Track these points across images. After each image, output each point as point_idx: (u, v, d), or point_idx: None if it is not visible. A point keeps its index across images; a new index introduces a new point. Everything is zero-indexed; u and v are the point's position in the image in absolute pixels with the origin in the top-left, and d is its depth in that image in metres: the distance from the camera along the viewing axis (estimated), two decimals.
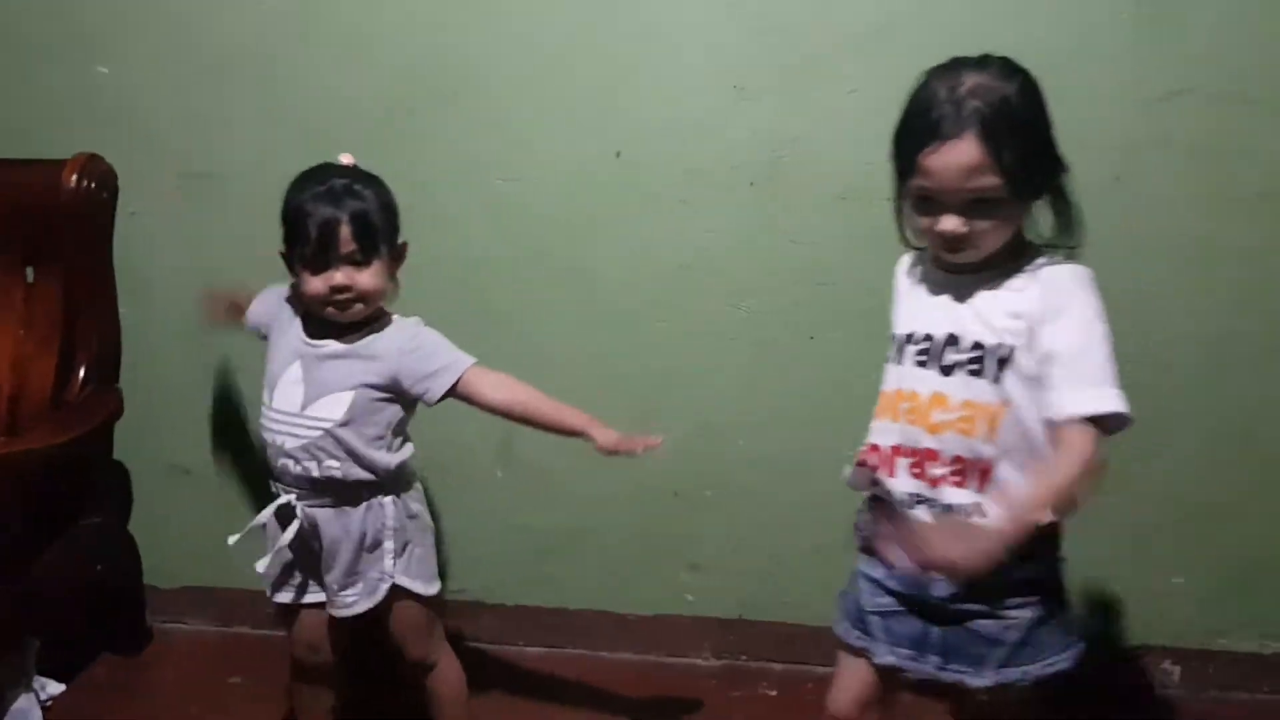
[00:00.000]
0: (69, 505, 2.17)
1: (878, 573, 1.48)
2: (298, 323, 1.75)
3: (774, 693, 2.23)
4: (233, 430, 2.34)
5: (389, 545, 1.75)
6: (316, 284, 1.64)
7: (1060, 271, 1.37)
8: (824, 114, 2.04)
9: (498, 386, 1.71)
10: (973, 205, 1.31)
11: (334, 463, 1.69)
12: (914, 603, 1.45)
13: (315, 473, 1.69)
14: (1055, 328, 1.32)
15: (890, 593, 1.47)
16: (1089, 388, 1.31)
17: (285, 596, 1.81)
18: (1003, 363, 1.34)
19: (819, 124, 2.05)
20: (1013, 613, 1.40)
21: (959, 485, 1.37)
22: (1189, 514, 2.18)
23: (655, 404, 2.20)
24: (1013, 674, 1.41)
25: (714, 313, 2.16)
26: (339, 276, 1.63)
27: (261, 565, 1.77)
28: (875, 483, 1.46)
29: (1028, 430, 1.35)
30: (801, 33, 2.03)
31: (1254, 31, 1.97)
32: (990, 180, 1.28)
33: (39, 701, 2.06)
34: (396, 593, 1.76)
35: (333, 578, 1.75)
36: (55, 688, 2.13)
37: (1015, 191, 1.30)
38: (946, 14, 2.00)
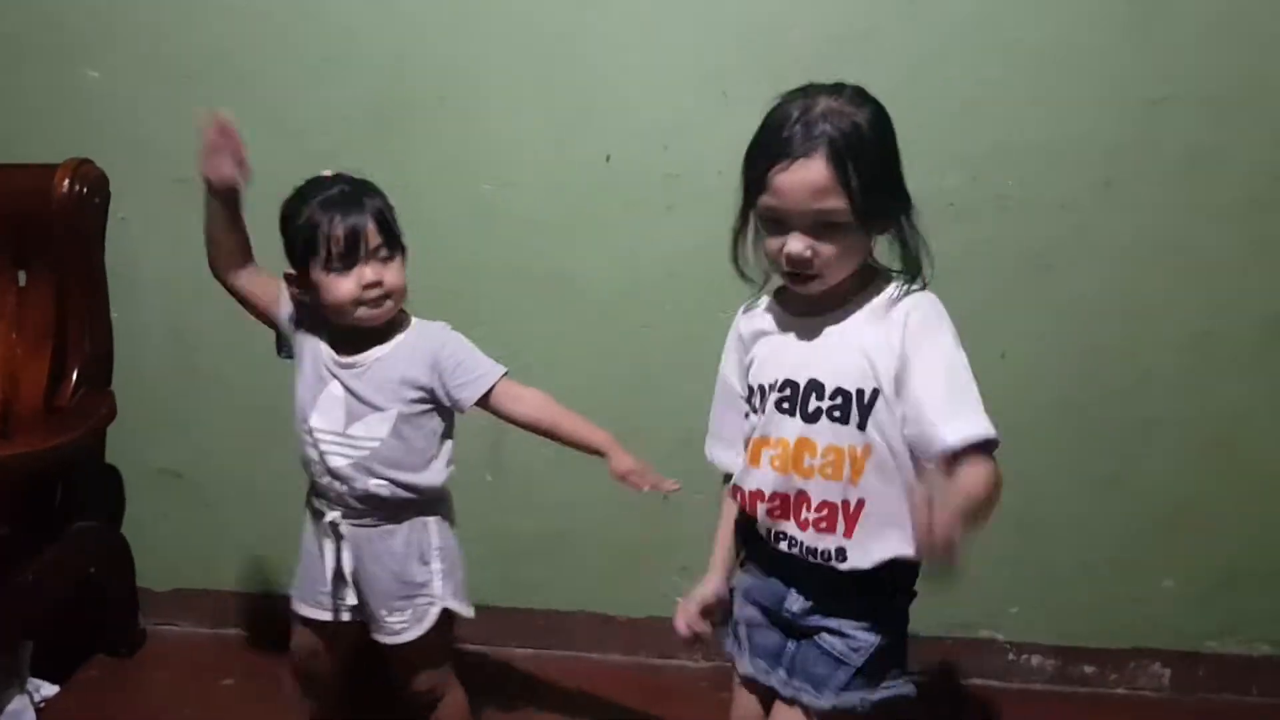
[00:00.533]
0: (62, 508, 2.18)
1: (744, 584, 1.52)
2: (323, 344, 1.71)
3: None
4: (223, 434, 2.34)
5: (437, 566, 1.74)
6: (347, 285, 1.61)
7: (913, 305, 1.36)
8: None
9: (526, 400, 1.72)
10: (820, 228, 1.31)
11: (380, 481, 1.68)
12: (773, 616, 1.49)
13: (360, 491, 1.68)
14: (921, 364, 1.32)
15: (753, 604, 1.51)
16: (970, 415, 1.29)
17: (312, 612, 1.78)
18: (865, 407, 1.35)
19: None
20: (860, 635, 1.42)
21: (827, 531, 1.39)
22: (1176, 518, 2.19)
23: (642, 409, 2.21)
24: (852, 699, 1.42)
25: (701, 318, 2.15)
26: (369, 273, 1.61)
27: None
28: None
29: (888, 471, 1.36)
30: (788, 37, 2.03)
31: (1242, 37, 1.98)
32: (837, 203, 1.29)
33: (33, 703, 2.07)
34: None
35: (378, 602, 1.72)
36: (49, 689, 2.14)
37: (861, 216, 1.30)
38: (933, 19, 2.00)
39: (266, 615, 2.40)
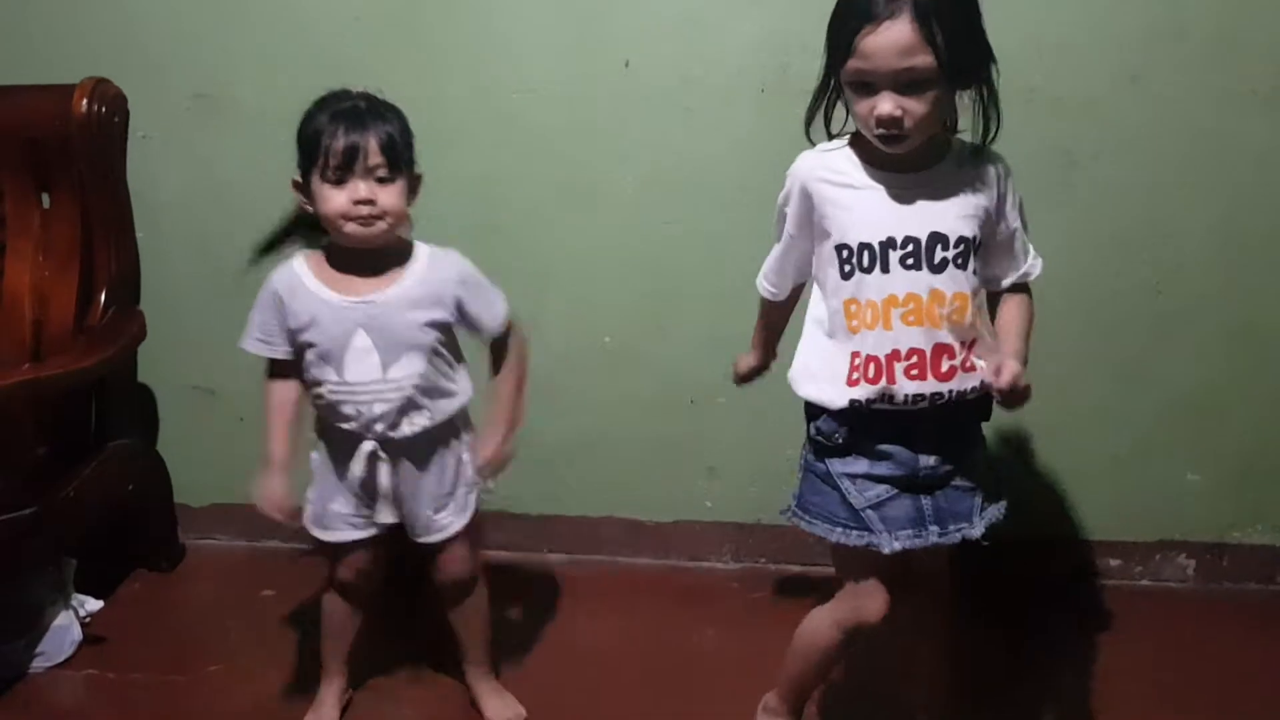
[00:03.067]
0: (97, 428, 2.21)
1: (859, 468, 1.52)
2: (322, 290, 1.68)
3: (794, 595, 2.27)
4: None
5: (466, 457, 1.78)
6: (339, 199, 1.60)
7: (998, 156, 1.48)
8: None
9: (513, 350, 1.78)
10: (908, 87, 1.35)
11: (422, 416, 1.70)
12: (905, 482, 1.52)
13: (406, 430, 1.69)
14: (1010, 208, 1.50)
15: (880, 480, 1.52)
16: (1036, 256, 1.55)
17: (343, 535, 1.78)
18: (976, 251, 1.46)
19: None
20: (976, 457, 1.56)
21: (969, 370, 1.46)
22: (1200, 409, 2.20)
23: (666, 312, 2.22)
24: (995, 512, 1.56)
25: (722, 219, 2.15)
26: (363, 189, 1.60)
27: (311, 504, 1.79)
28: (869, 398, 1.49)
29: (984, 312, 1.47)
30: None
31: None
32: (924, 60, 1.33)
33: (78, 618, 2.11)
34: None
35: (422, 507, 1.75)
36: (94, 604, 2.18)
37: (947, 73, 1.35)
38: None
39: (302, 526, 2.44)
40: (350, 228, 1.62)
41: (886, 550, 1.50)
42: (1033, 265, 1.55)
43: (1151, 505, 2.28)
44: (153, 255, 2.24)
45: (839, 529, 1.53)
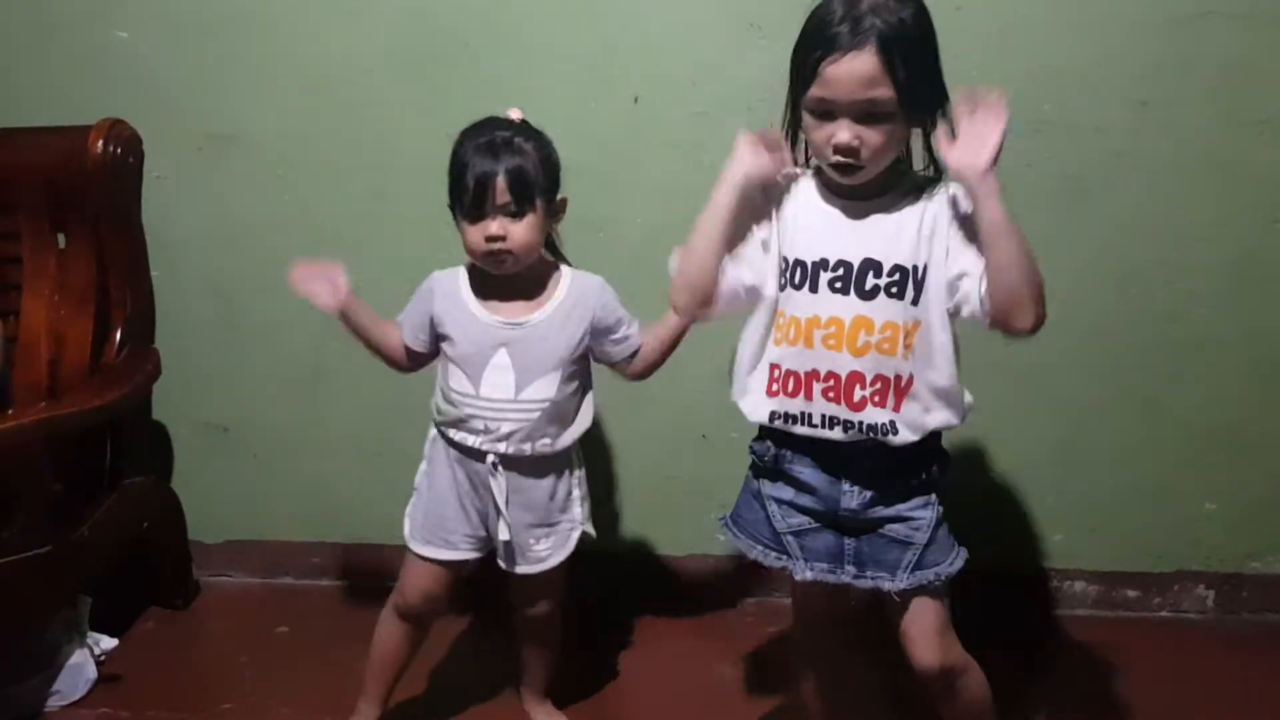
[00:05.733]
0: (112, 466, 2.22)
1: (785, 494, 1.56)
2: (474, 304, 1.74)
3: None
4: (266, 386, 2.37)
5: (578, 493, 1.82)
6: (474, 235, 1.66)
7: (954, 187, 1.44)
8: None
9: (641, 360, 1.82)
10: (867, 118, 1.37)
11: (546, 439, 1.74)
12: (826, 518, 1.54)
13: (529, 451, 1.73)
14: (962, 241, 1.42)
15: (803, 511, 1.55)
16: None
17: (441, 553, 1.80)
18: (919, 281, 1.43)
19: None
20: (918, 514, 1.51)
21: (879, 405, 1.45)
22: (1218, 440, 2.19)
23: (678, 349, 2.21)
24: (926, 575, 1.51)
25: None
26: (494, 226, 1.65)
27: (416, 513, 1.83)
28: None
29: (934, 346, 1.44)
30: None
31: None
32: (885, 92, 1.35)
33: (93, 656, 2.11)
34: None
35: (524, 534, 1.78)
36: (109, 643, 2.18)
37: (906, 106, 1.37)
38: None
39: (317, 563, 2.45)
40: (487, 261, 1.68)
41: (799, 577, 1.56)
42: None
43: (1169, 535, 2.26)
44: (167, 294, 2.26)
45: (759, 548, 1.59)
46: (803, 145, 1.51)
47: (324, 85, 2.16)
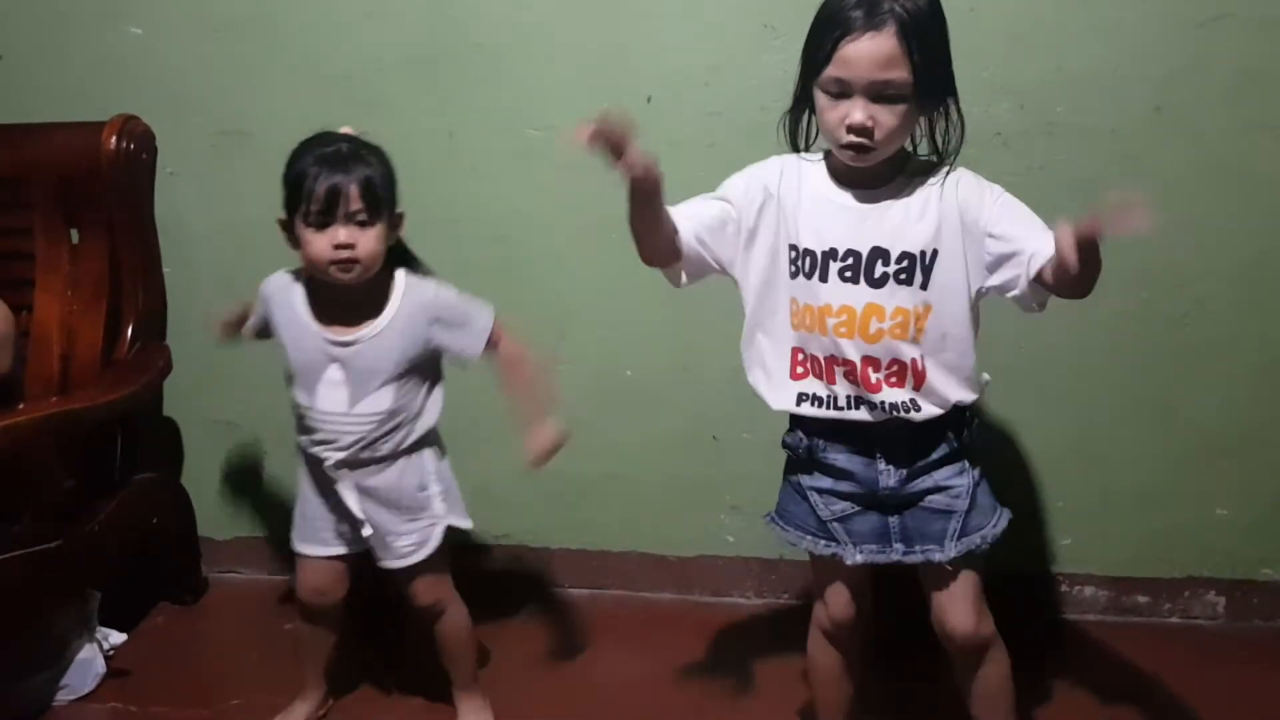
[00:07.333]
0: (123, 461, 2.23)
1: (824, 484, 1.60)
2: (307, 316, 1.75)
3: None
4: (276, 384, 2.34)
5: (435, 489, 1.82)
6: (320, 243, 1.66)
7: (959, 173, 1.50)
8: None
9: (521, 362, 1.80)
10: (881, 99, 1.40)
11: (387, 445, 1.76)
12: (868, 500, 1.58)
13: (371, 456, 1.76)
14: (996, 207, 1.47)
15: (844, 497, 1.59)
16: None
17: (317, 549, 1.86)
18: (928, 267, 1.47)
19: None
20: (955, 482, 1.56)
21: (897, 385, 1.50)
22: (1230, 445, 2.17)
23: (689, 349, 2.21)
24: (973, 540, 1.56)
25: None
26: (343, 234, 1.65)
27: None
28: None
29: (946, 328, 1.49)
30: None
31: None
32: (901, 74, 1.38)
33: (102, 651, 2.12)
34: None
35: (381, 532, 1.80)
36: (117, 638, 2.19)
37: (920, 90, 1.40)
38: None
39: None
40: (332, 270, 1.67)
41: (849, 561, 1.59)
42: (1052, 236, 1.46)
43: (1181, 541, 2.25)
44: (179, 290, 2.27)
45: (809, 538, 1.63)
46: (804, 131, 1.54)
47: (337, 83, 2.16)
